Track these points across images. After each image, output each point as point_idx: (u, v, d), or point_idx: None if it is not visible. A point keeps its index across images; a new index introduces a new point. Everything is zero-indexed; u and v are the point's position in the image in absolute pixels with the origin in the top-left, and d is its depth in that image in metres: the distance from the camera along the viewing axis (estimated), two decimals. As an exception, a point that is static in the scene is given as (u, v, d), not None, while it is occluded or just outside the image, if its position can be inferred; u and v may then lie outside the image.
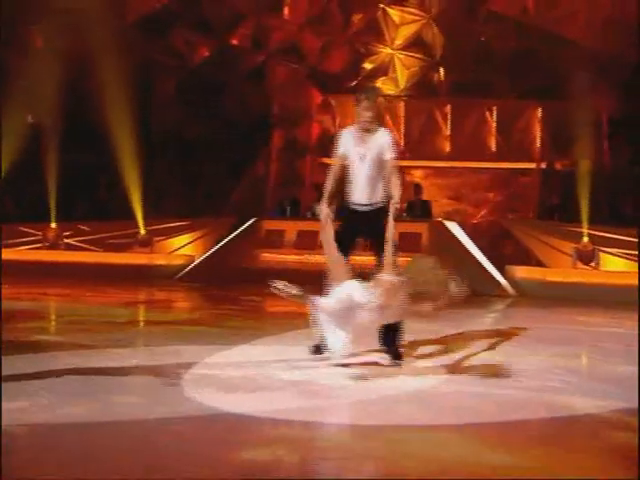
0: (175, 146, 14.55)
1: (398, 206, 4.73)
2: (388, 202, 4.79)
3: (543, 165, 13.70)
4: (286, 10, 15.20)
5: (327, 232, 4.82)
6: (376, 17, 15.07)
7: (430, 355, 5.34)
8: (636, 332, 6.92)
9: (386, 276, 4.34)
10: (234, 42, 15.18)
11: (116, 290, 9.80)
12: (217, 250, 11.50)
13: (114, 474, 2.82)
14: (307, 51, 15.27)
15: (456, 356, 5.32)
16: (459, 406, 3.96)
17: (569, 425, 3.75)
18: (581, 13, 13.92)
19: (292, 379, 4.40)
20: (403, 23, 14.99)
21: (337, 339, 4.35)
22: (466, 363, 5.14)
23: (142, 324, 7.33)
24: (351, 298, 4.26)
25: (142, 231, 11.95)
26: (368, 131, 4.91)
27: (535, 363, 5.22)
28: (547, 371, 4.96)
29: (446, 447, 3.23)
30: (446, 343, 5.93)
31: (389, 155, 4.88)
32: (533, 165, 13.88)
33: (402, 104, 14.10)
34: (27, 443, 3.14)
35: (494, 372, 4.83)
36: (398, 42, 15.08)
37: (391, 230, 4.62)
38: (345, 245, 4.84)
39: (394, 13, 15.00)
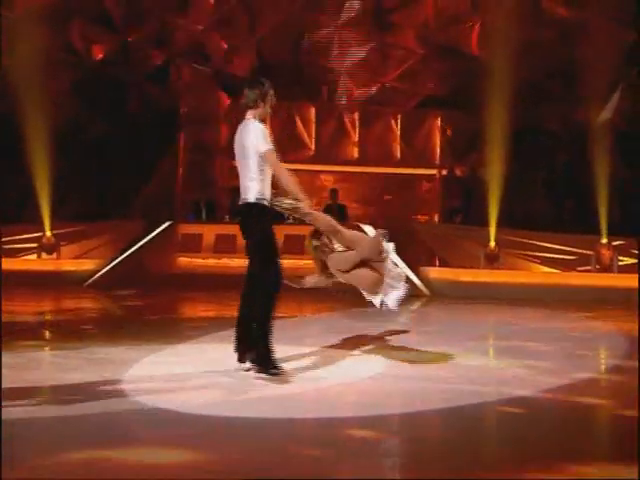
0: (75, 145, 13.90)
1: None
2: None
3: (444, 171, 14.43)
4: (191, 11, 15.00)
5: (324, 218, 4.95)
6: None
7: (359, 352, 5.56)
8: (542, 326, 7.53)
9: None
10: (136, 40, 14.77)
11: (24, 299, 9.27)
12: (130, 255, 11.14)
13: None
14: (212, 53, 15.16)
15: (387, 353, 5.59)
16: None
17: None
18: (476, 29, 14.81)
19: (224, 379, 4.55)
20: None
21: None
22: (398, 358, 5.38)
23: (61, 331, 7.03)
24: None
25: (48, 233, 11.34)
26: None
27: (466, 358, 5.58)
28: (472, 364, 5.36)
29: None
30: (373, 341, 6.17)
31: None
32: (435, 171, 14.59)
33: (312, 109, 14.34)
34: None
35: (427, 366, 5.18)
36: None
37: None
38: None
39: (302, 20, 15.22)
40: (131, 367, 4.91)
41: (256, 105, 4.67)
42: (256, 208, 4.59)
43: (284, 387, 4.45)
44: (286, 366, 4.74)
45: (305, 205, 4.65)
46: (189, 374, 4.72)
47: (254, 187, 4.58)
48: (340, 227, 4.98)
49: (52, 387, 4.39)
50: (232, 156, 4.88)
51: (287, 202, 4.67)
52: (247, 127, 4.66)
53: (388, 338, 6.38)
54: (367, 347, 5.86)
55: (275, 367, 4.57)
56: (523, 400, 4.27)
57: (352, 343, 5.95)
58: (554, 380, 4.84)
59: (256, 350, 4.61)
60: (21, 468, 2.93)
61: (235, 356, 4.73)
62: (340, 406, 4.12)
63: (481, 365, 5.43)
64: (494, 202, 11.01)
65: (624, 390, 4.59)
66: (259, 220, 4.61)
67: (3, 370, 4.61)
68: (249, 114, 4.70)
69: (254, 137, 4.58)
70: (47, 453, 3.13)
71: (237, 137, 4.75)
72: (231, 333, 4.83)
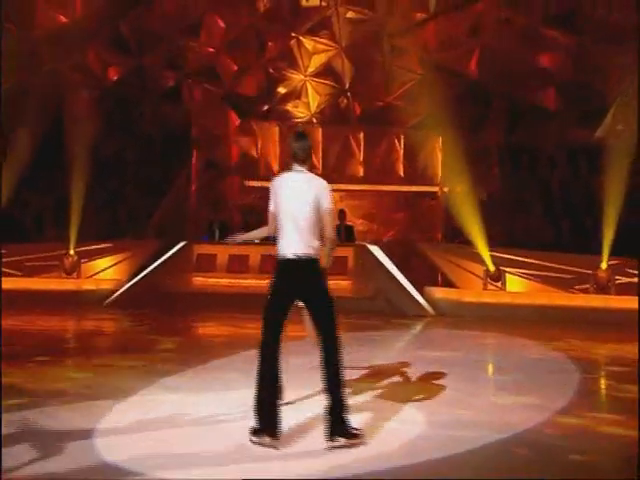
0: (91, 164, 14.29)
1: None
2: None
3: (445, 189, 14.89)
4: (203, 34, 15.47)
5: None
6: (290, 45, 15.72)
7: (371, 386, 5.64)
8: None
9: None
10: (151, 62, 15.22)
11: (46, 318, 9.62)
12: (147, 274, 11.52)
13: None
14: (223, 74, 15.63)
15: (400, 385, 5.73)
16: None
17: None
18: (475, 52, 15.26)
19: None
20: (315, 52, 15.75)
21: None
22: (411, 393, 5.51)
23: (76, 351, 7.38)
24: None
25: (72, 252, 11.72)
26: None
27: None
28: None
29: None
30: (385, 371, 6.28)
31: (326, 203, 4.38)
32: (437, 189, 15.08)
33: (320, 130, 14.83)
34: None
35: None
36: (310, 69, 15.83)
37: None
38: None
39: (307, 42, 15.72)
40: (142, 403, 5.11)
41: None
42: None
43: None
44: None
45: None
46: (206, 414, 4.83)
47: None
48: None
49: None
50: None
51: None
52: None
53: (402, 368, 6.49)
54: (359, 376, 5.99)
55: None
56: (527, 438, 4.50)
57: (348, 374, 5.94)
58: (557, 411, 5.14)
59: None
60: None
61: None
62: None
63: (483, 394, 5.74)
64: (475, 222, 11.40)
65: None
66: None
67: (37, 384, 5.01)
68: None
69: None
70: None
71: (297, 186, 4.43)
72: (244, 356, 5.02)
